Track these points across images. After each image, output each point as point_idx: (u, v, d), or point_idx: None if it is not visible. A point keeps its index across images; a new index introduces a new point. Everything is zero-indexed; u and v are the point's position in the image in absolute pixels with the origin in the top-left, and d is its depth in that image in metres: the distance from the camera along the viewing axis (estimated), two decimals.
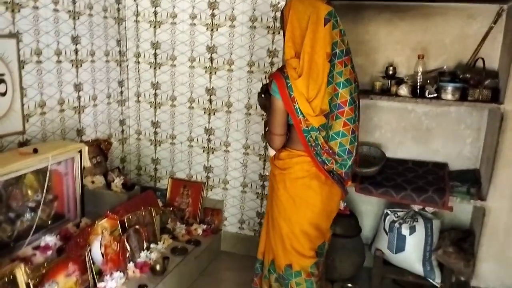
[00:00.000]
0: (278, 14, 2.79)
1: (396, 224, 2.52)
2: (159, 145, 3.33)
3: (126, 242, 2.37)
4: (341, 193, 2.08)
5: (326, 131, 1.90)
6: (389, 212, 2.59)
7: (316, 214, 1.99)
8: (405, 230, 2.49)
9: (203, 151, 3.21)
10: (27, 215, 2.15)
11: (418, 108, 2.67)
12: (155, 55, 3.17)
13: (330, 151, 1.90)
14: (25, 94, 2.35)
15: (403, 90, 2.39)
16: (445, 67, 2.48)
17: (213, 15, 2.97)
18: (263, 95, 2.10)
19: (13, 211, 2.08)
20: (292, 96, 1.84)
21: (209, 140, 3.18)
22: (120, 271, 2.27)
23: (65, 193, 2.41)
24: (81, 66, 2.76)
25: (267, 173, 3.05)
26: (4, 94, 2.19)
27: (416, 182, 2.47)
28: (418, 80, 2.38)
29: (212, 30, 3.00)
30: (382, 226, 2.62)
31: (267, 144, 2.29)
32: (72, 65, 2.68)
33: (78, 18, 2.69)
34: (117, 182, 2.82)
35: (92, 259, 2.15)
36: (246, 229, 3.21)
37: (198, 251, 2.83)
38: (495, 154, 2.28)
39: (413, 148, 2.73)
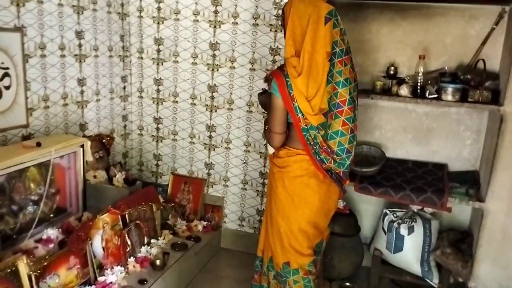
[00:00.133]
0: (280, 12, 2.80)
1: (395, 224, 2.53)
2: (161, 141, 3.35)
3: (127, 237, 2.39)
4: (339, 192, 2.10)
5: (325, 130, 1.90)
6: (388, 212, 2.60)
7: (314, 213, 2.00)
8: (403, 230, 2.49)
9: (205, 147, 3.23)
10: (30, 208, 2.16)
11: (419, 109, 2.67)
12: (158, 51, 3.19)
13: (329, 150, 1.90)
14: (29, 88, 2.37)
15: (404, 90, 2.39)
16: (446, 67, 2.48)
17: (216, 12, 2.98)
18: (263, 94, 2.11)
19: (16, 204, 2.10)
20: (291, 94, 1.84)
21: (210, 137, 3.20)
22: (121, 266, 2.29)
23: (67, 187, 2.43)
24: (84, 61, 2.77)
25: (267, 171, 3.06)
26: (8, 87, 2.21)
27: (416, 182, 2.48)
28: (419, 81, 2.38)
29: (215, 27, 3.01)
30: (381, 226, 2.62)
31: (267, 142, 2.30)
32: (76, 60, 2.70)
33: (82, 13, 2.70)
34: (119, 177, 2.83)
35: (93, 253, 2.17)
36: (246, 226, 3.23)
37: (198, 247, 2.85)
38: (494, 156, 2.28)
39: (413, 148, 2.73)
